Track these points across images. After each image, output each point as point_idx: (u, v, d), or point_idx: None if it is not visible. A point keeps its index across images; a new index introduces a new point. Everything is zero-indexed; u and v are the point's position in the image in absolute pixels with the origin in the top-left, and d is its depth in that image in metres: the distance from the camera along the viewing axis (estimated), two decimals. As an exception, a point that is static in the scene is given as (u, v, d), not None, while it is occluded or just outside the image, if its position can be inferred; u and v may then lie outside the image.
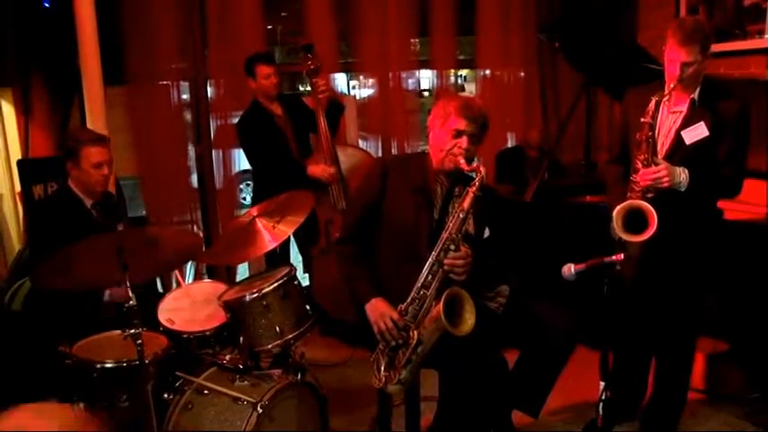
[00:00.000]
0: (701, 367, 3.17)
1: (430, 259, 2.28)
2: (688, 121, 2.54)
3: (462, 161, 2.31)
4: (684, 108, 2.57)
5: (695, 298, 2.66)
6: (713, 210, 2.65)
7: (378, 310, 2.32)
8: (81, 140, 2.78)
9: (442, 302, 2.16)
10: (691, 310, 2.69)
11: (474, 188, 2.26)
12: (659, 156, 2.54)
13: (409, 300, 2.29)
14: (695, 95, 2.56)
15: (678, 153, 2.54)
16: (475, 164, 2.33)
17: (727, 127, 2.50)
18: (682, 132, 2.54)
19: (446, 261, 2.26)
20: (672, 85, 2.47)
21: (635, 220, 2.39)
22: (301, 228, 2.84)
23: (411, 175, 2.46)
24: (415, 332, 2.25)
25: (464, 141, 2.33)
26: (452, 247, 2.26)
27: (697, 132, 2.51)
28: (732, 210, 2.95)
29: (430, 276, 2.27)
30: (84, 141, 2.78)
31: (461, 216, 2.26)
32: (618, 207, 2.43)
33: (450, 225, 2.27)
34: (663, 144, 2.59)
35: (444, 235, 2.27)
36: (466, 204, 2.26)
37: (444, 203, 2.42)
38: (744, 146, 2.55)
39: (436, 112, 2.42)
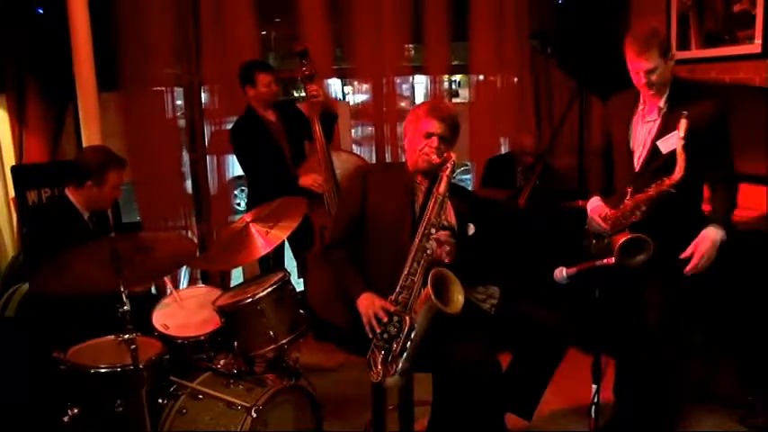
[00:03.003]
0: (695, 370, 3.19)
1: (414, 247, 2.33)
2: (663, 130, 2.53)
3: (434, 157, 2.39)
4: (657, 116, 2.56)
5: (682, 299, 2.63)
6: (698, 212, 2.64)
7: (367, 303, 2.36)
8: (108, 164, 2.82)
9: (429, 282, 2.20)
10: (678, 310, 2.66)
11: (447, 171, 2.34)
12: (636, 167, 2.56)
13: (398, 289, 2.33)
14: (661, 103, 2.55)
15: (654, 163, 2.53)
16: (445, 154, 2.39)
17: (705, 131, 2.46)
18: (657, 142, 2.53)
19: (432, 237, 2.31)
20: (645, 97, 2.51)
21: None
22: (296, 233, 2.85)
23: (391, 178, 2.54)
24: (407, 317, 2.27)
25: (435, 141, 2.41)
26: (433, 231, 2.32)
27: (673, 141, 2.47)
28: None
29: (416, 264, 2.32)
30: (113, 165, 2.83)
31: (439, 200, 2.33)
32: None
33: (429, 210, 2.34)
34: (639, 155, 2.59)
35: (425, 221, 2.33)
36: (442, 188, 2.33)
37: (425, 202, 2.45)
38: (726, 146, 2.54)
39: (409, 118, 2.52)
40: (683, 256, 2.46)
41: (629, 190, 2.56)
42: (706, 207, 2.61)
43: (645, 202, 2.47)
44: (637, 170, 2.59)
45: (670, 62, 2.51)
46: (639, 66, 2.48)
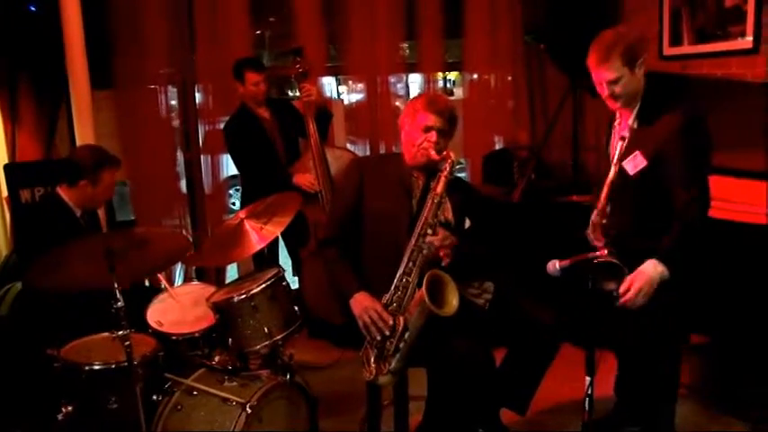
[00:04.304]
0: (688, 364, 3.19)
1: (409, 246, 2.32)
2: (627, 150, 2.33)
3: (433, 152, 2.38)
4: (628, 134, 2.36)
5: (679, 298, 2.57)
6: None
7: (361, 305, 2.35)
8: (102, 163, 2.83)
9: (424, 285, 2.19)
10: (676, 309, 2.66)
11: (445, 172, 2.34)
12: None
13: (392, 289, 2.33)
14: (631, 119, 2.42)
15: (622, 185, 2.32)
16: (444, 152, 2.38)
17: (670, 149, 2.31)
18: (623, 163, 2.34)
19: (427, 240, 2.30)
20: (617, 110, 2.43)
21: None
22: (291, 230, 2.85)
23: (388, 172, 2.53)
24: (401, 318, 2.27)
25: (433, 135, 2.41)
26: (430, 231, 2.32)
27: (636, 162, 2.37)
28: (732, 210, 2.98)
29: (411, 263, 2.32)
30: (107, 164, 2.85)
31: (436, 200, 2.33)
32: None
33: (426, 210, 2.33)
34: (609, 175, 2.41)
35: (421, 221, 2.33)
36: (439, 189, 2.33)
37: (422, 197, 2.45)
38: (696, 161, 2.34)
39: (405, 112, 2.51)
40: (621, 290, 2.27)
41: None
42: None
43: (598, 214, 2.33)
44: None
45: (638, 71, 2.33)
46: (601, 76, 2.34)
